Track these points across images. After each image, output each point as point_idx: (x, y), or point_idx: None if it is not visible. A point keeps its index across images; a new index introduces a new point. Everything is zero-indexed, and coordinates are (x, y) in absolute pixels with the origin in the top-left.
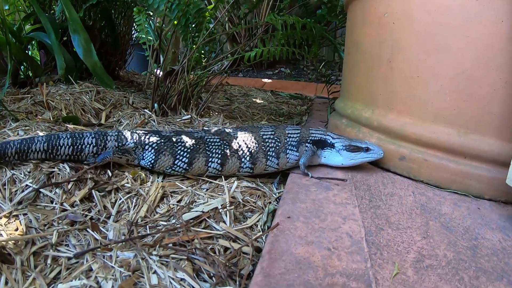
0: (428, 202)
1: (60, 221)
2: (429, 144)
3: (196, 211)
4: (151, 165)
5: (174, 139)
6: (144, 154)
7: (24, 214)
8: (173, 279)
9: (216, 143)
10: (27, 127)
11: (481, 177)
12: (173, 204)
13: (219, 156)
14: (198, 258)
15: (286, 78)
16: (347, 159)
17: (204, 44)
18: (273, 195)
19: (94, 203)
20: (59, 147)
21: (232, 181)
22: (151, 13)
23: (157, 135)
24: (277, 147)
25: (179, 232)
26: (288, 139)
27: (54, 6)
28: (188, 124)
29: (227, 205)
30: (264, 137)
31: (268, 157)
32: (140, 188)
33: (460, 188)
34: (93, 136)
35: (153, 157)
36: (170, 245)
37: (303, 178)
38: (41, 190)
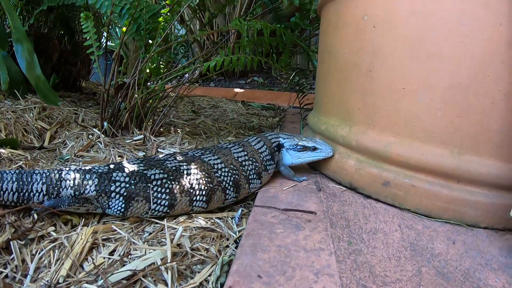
0: (418, 239)
1: None
2: (417, 167)
3: (128, 269)
4: (121, 214)
5: (148, 176)
6: (110, 202)
7: None
8: None
9: (195, 175)
10: None
11: (478, 203)
12: (104, 257)
13: (204, 192)
14: None
15: (259, 88)
16: (295, 158)
17: (159, 53)
18: (233, 235)
19: (11, 256)
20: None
21: (182, 220)
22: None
23: (124, 173)
24: (256, 167)
25: None
26: (262, 155)
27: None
28: (140, 146)
29: (168, 260)
30: (240, 159)
31: (251, 180)
32: (67, 236)
33: (454, 217)
34: (43, 181)
35: (123, 205)
36: None
37: (268, 213)
38: None
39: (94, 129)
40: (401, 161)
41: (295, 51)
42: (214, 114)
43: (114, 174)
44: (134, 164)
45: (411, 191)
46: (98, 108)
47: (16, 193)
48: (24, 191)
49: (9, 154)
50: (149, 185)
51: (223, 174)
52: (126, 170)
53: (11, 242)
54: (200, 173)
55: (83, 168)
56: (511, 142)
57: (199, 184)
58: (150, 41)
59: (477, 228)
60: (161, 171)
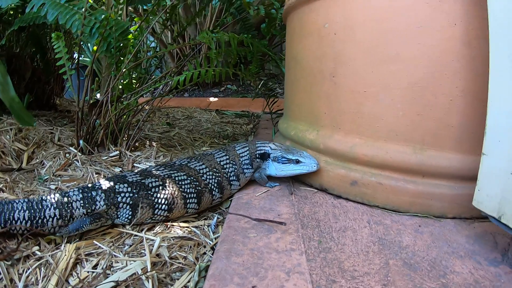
0: (386, 233)
1: None
2: (383, 166)
3: (111, 281)
4: (128, 221)
5: (147, 185)
6: (119, 213)
7: None
8: None
9: (185, 181)
10: None
11: (443, 195)
12: (88, 271)
13: (195, 194)
14: None
15: (233, 95)
16: (278, 170)
17: (130, 69)
18: (209, 242)
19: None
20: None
21: (160, 231)
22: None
23: (126, 184)
24: (235, 170)
25: None
26: (241, 159)
27: None
28: (116, 162)
29: (148, 269)
30: (222, 163)
31: (231, 181)
32: (52, 253)
33: (421, 210)
34: (54, 206)
35: (130, 213)
36: None
37: (241, 220)
38: None
39: (70, 148)
40: (367, 161)
41: (265, 60)
42: (189, 125)
43: (117, 186)
44: (132, 175)
45: (379, 189)
46: (73, 126)
47: (29, 221)
48: (37, 218)
49: None
50: (149, 192)
51: (208, 177)
52: (127, 182)
53: None
54: (189, 178)
55: (85, 186)
56: (470, 135)
57: (190, 188)
58: (122, 58)
59: (445, 219)
60: (157, 179)
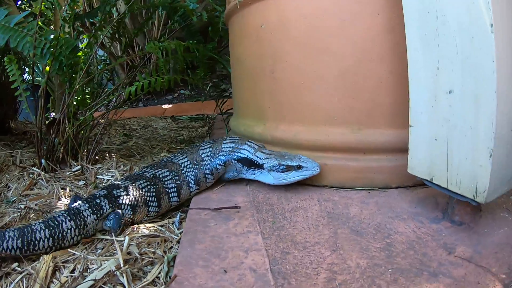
0: (334, 208)
1: None
2: (325, 148)
3: (90, 280)
4: (130, 220)
5: (137, 186)
6: (124, 212)
7: None
8: None
9: (167, 177)
10: None
11: (384, 168)
12: (67, 276)
13: (175, 188)
14: None
15: (187, 100)
16: (278, 179)
17: (83, 85)
18: (175, 237)
19: None
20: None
21: (128, 232)
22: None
23: (120, 188)
24: (210, 165)
25: None
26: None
27: None
28: (79, 176)
29: (122, 266)
30: (203, 155)
31: (206, 175)
32: (31, 266)
33: (365, 184)
34: (69, 219)
35: (131, 212)
36: None
37: (201, 212)
38: None
39: (33, 168)
40: (310, 145)
41: (213, 63)
42: (146, 133)
43: (114, 192)
44: (123, 181)
45: (325, 169)
46: (32, 147)
47: (51, 238)
48: (57, 233)
49: None
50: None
51: (187, 170)
52: (121, 186)
53: None
54: (171, 173)
55: (88, 197)
56: (401, 111)
57: (171, 183)
58: (74, 75)
59: (389, 189)
60: (144, 180)
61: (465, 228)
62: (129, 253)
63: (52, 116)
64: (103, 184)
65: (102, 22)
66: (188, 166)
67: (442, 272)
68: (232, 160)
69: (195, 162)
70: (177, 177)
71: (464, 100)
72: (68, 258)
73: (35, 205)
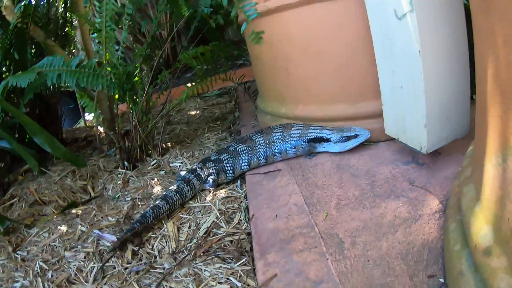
0: (341, 161)
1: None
2: (333, 119)
3: (204, 228)
4: (217, 182)
5: (221, 159)
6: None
7: None
8: (214, 269)
9: (244, 151)
10: (47, 228)
11: (375, 128)
12: (187, 231)
13: (247, 160)
14: (220, 253)
15: (206, 76)
16: (342, 147)
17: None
18: (241, 195)
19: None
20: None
21: (211, 198)
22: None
23: (211, 162)
24: (281, 146)
25: (202, 244)
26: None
27: None
28: (157, 168)
29: (219, 216)
30: (275, 138)
31: (275, 154)
32: (162, 231)
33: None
34: (186, 185)
35: (217, 177)
36: (202, 254)
37: (255, 176)
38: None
39: (119, 170)
40: (322, 119)
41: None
42: (183, 118)
43: (207, 164)
44: (214, 154)
45: None
46: (100, 153)
47: (180, 198)
48: (182, 193)
49: (80, 211)
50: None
51: (260, 148)
52: (212, 159)
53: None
54: (247, 148)
55: (191, 170)
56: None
57: (246, 156)
58: (135, 97)
59: (380, 142)
60: (227, 153)
61: (425, 167)
62: (219, 209)
63: (125, 129)
64: (178, 170)
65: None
66: (261, 144)
67: (403, 195)
68: (303, 143)
69: (267, 142)
70: (251, 152)
71: (409, 93)
72: (183, 221)
73: (138, 195)
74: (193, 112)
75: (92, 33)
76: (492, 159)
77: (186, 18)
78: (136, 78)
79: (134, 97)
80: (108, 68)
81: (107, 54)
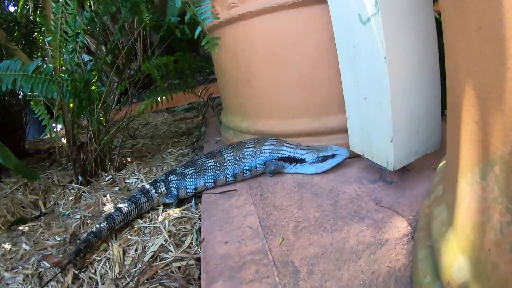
0: (303, 179)
1: None
2: (295, 134)
3: (150, 252)
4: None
5: (186, 173)
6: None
7: None
8: None
9: (211, 167)
10: None
11: (340, 144)
12: (133, 254)
13: (213, 177)
14: (165, 280)
15: (177, 90)
16: (318, 169)
17: (101, 110)
18: (195, 215)
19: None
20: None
21: (163, 217)
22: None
23: (174, 175)
24: (251, 162)
25: (147, 270)
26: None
27: None
28: (112, 184)
29: (168, 239)
30: (245, 154)
31: (244, 171)
32: (107, 254)
33: None
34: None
35: (176, 192)
36: (146, 281)
37: (211, 195)
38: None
39: (73, 185)
40: (284, 134)
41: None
42: (148, 132)
43: (170, 177)
44: (180, 166)
45: None
46: (57, 165)
47: (136, 208)
48: (138, 204)
49: (26, 228)
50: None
51: (229, 164)
52: (176, 173)
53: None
54: (215, 163)
55: (152, 182)
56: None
57: (212, 172)
58: (92, 105)
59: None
60: (193, 167)
61: (394, 186)
62: (169, 231)
63: (81, 141)
64: (133, 186)
65: (110, 48)
66: (231, 160)
67: (368, 216)
68: (273, 160)
69: (237, 158)
70: (219, 168)
71: (373, 104)
72: (130, 243)
73: (88, 213)
74: (160, 126)
75: (47, 37)
76: (467, 176)
77: (151, 26)
78: (94, 87)
79: (91, 107)
80: (62, 75)
81: (60, 59)
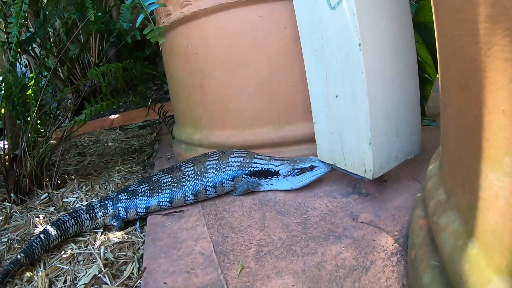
0: (265, 196)
1: None
2: (254, 146)
3: (80, 285)
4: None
5: (139, 190)
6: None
7: None
8: None
9: (167, 183)
10: None
11: (306, 155)
12: (61, 286)
13: (168, 195)
14: None
15: (133, 107)
16: (294, 183)
17: (37, 119)
18: (139, 239)
19: None
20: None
21: (101, 242)
22: None
23: (125, 193)
24: (215, 177)
25: None
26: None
27: None
28: (48, 203)
29: (103, 269)
30: (208, 167)
31: (207, 188)
32: (29, 284)
33: None
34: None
35: (125, 213)
36: None
37: (158, 216)
38: None
39: (4, 203)
40: (241, 146)
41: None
42: (98, 149)
43: (119, 196)
44: (134, 183)
45: None
46: None
47: (76, 225)
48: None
49: None
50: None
51: (188, 180)
52: (127, 190)
53: None
54: (172, 180)
55: (100, 200)
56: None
57: (168, 189)
58: (27, 112)
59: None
60: (147, 185)
61: (370, 198)
62: (106, 259)
63: (14, 153)
64: (71, 206)
65: (50, 49)
66: (190, 176)
67: (345, 235)
68: (244, 176)
69: (198, 173)
70: (176, 185)
71: (346, 101)
72: (59, 273)
73: (16, 236)
74: (110, 144)
75: None
76: (501, 166)
77: (100, 30)
78: (29, 92)
79: (26, 115)
80: None
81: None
